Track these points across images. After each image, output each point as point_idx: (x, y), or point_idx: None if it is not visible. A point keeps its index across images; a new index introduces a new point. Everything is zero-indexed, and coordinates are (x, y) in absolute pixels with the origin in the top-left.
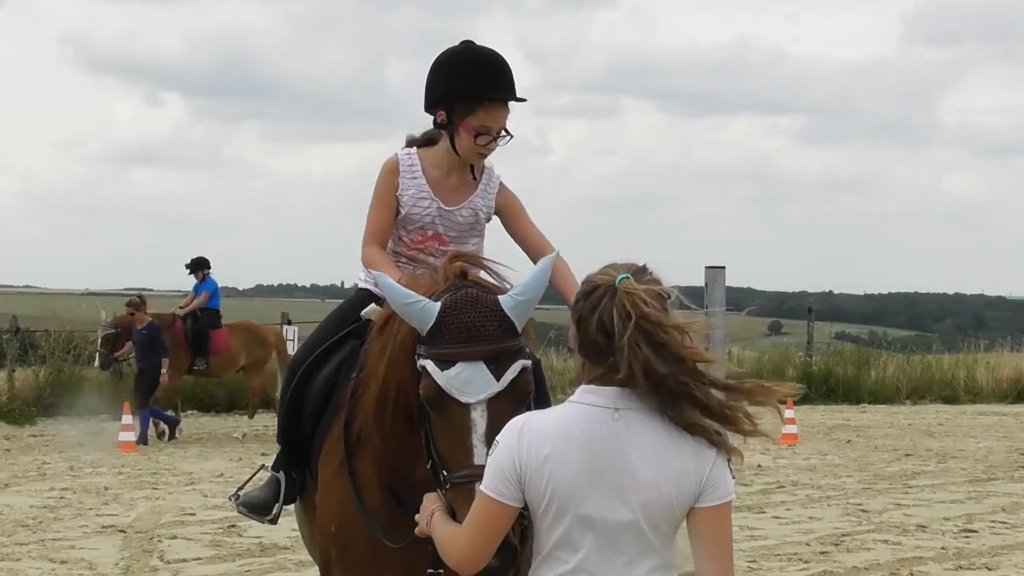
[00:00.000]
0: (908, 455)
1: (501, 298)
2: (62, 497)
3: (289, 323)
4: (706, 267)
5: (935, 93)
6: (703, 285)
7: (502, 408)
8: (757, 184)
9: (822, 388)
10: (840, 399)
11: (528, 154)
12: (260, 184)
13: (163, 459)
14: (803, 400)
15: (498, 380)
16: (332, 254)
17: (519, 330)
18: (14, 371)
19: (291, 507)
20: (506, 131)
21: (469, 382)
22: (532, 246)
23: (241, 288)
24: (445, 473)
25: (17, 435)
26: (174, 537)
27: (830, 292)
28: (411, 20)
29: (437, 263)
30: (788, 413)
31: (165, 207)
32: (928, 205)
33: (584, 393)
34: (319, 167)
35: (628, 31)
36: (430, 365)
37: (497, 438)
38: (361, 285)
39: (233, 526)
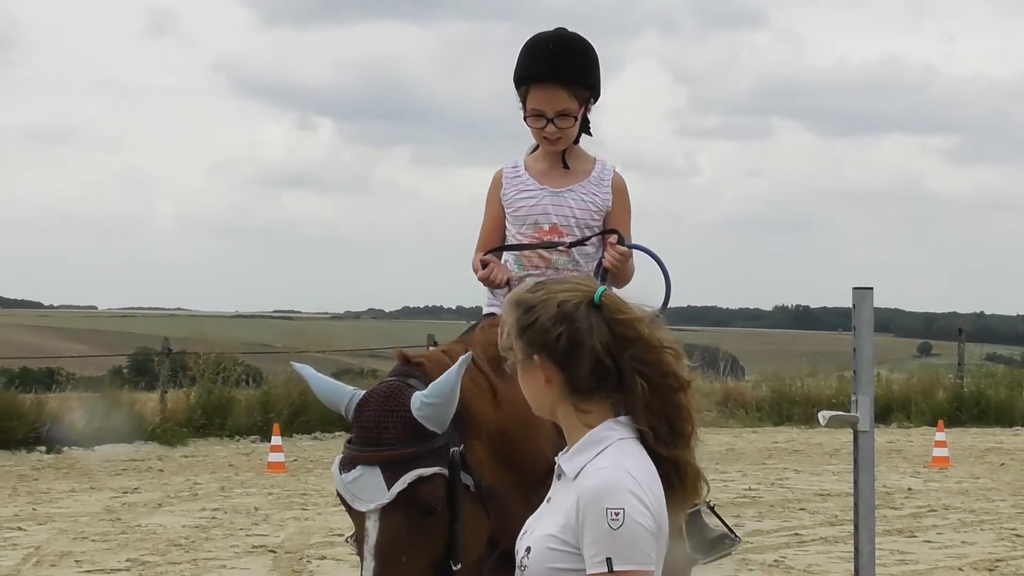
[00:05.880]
0: None
1: (414, 397)
2: (213, 517)
3: (435, 345)
4: (854, 288)
5: None
6: (851, 306)
7: (396, 521)
8: (907, 204)
9: (973, 410)
10: (992, 422)
11: (676, 175)
12: (409, 207)
13: (311, 480)
14: (954, 422)
15: (388, 489)
16: None
17: (432, 432)
18: (166, 392)
19: None
20: (572, 117)
21: (364, 488)
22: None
23: (388, 310)
24: None
25: (169, 455)
26: (323, 558)
27: (981, 313)
28: None
29: (562, 260)
30: (939, 436)
31: (315, 230)
32: None
33: (615, 425)
34: (467, 190)
35: (777, 51)
36: (334, 465)
37: (614, 505)
38: (486, 309)
39: None
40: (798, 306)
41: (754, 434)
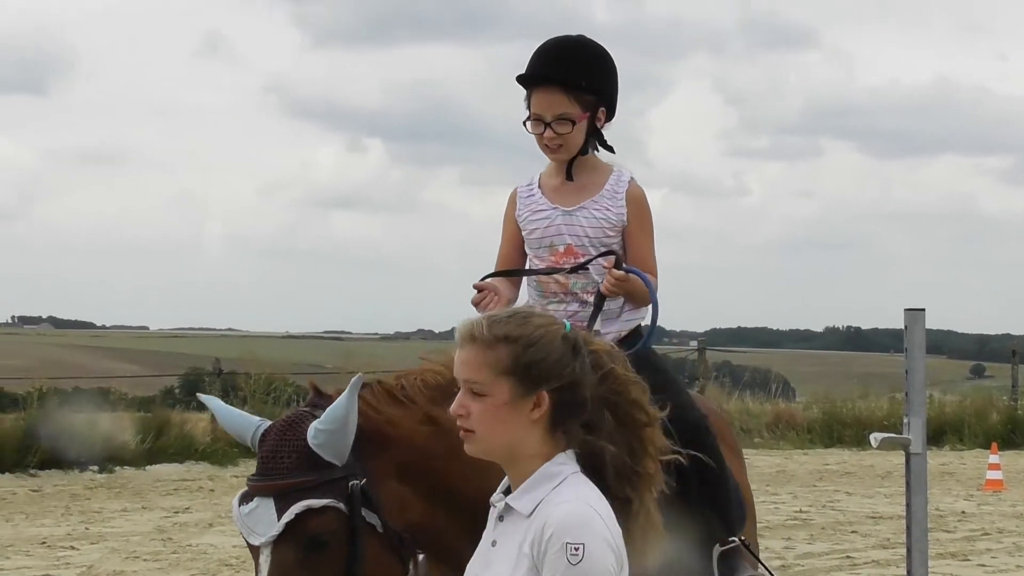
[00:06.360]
0: None
1: (310, 426)
2: None
3: None
4: (905, 309)
5: None
6: (903, 327)
7: (286, 556)
8: (959, 225)
9: None
10: None
11: (726, 196)
12: (457, 227)
13: None
14: (1008, 445)
15: (278, 520)
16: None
17: (328, 463)
18: None
19: None
20: (571, 121)
21: (258, 521)
22: (633, 261)
23: (437, 331)
24: None
25: (220, 475)
26: None
27: None
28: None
29: (580, 284)
30: (992, 458)
31: (364, 250)
32: None
33: (567, 459)
34: None
35: (827, 72)
36: (234, 499)
37: (575, 540)
38: None
39: None
40: (849, 327)
41: (805, 456)
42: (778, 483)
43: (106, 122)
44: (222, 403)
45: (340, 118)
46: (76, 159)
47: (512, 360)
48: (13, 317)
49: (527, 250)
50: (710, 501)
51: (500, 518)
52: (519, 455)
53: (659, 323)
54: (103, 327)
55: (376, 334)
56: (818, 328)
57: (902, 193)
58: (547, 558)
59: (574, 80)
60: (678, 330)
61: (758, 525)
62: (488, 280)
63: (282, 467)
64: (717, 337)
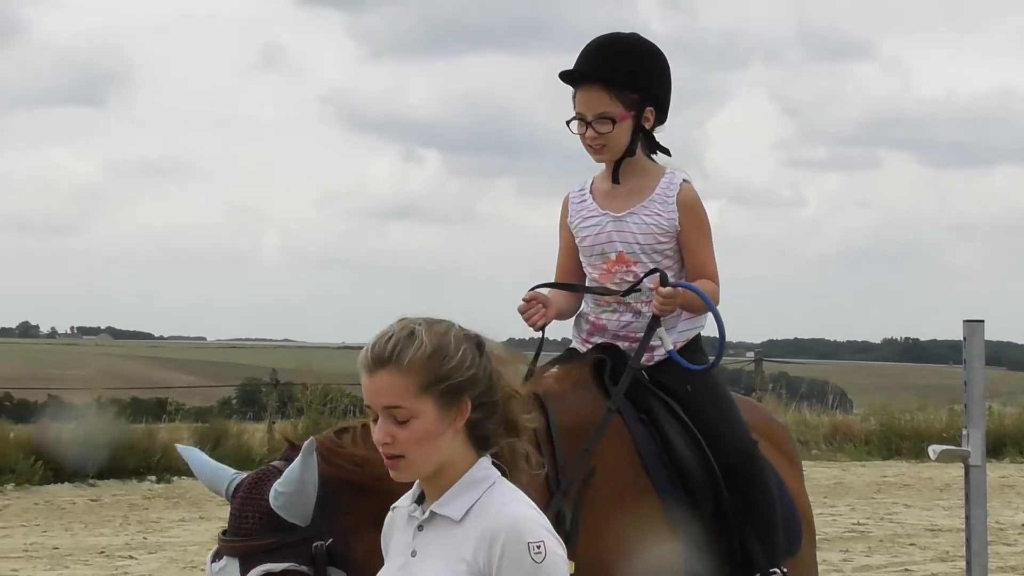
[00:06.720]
0: None
1: (272, 487)
2: None
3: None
4: (964, 320)
5: None
6: (961, 339)
7: None
8: (1018, 236)
9: None
10: None
11: (783, 207)
12: (513, 238)
13: None
14: None
15: None
16: None
17: (291, 525)
18: (273, 423)
19: None
20: (612, 120)
21: None
22: (692, 267)
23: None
24: None
25: None
26: None
27: None
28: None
29: (635, 293)
30: None
31: (420, 261)
32: None
33: (489, 464)
34: None
35: (885, 82)
36: (209, 555)
37: (535, 539)
38: (573, 343)
39: None
40: (907, 339)
41: (862, 468)
42: (836, 495)
43: (164, 134)
44: (199, 454)
45: (396, 129)
46: (135, 171)
47: (431, 376)
48: (73, 328)
49: (581, 258)
50: (753, 527)
51: (420, 527)
52: (445, 466)
53: (710, 334)
54: (161, 338)
55: None
56: (876, 340)
57: (960, 204)
58: (505, 562)
59: (616, 77)
60: (735, 341)
61: (816, 537)
62: (538, 290)
63: (246, 528)
64: (774, 348)
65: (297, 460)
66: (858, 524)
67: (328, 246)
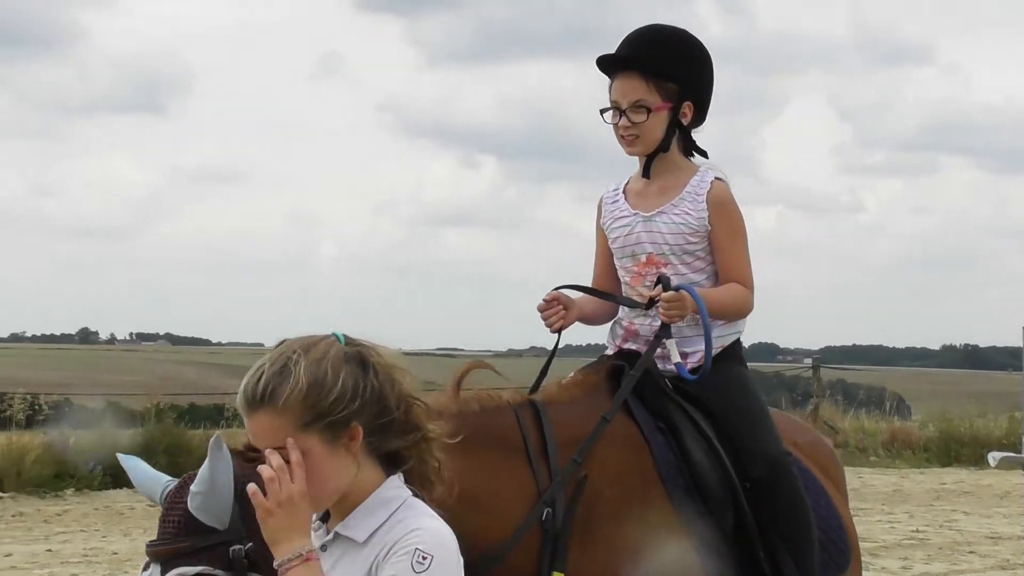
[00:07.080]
0: None
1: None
2: None
3: None
4: (1023, 327)
5: None
6: (1020, 345)
7: None
8: None
9: None
10: None
11: (841, 212)
12: (569, 244)
13: None
14: None
15: None
16: None
17: (209, 528)
18: None
19: None
20: (647, 109)
21: None
22: (723, 269)
23: (550, 348)
24: None
25: None
26: None
27: None
28: (727, 79)
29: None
30: None
31: (477, 267)
32: None
33: (399, 483)
34: None
35: (943, 87)
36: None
37: (426, 551)
38: (609, 350)
39: None
40: (966, 345)
41: (921, 475)
42: (894, 502)
43: (223, 141)
44: (138, 462)
45: (453, 135)
46: (193, 178)
47: (309, 414)
48: (131, 334)
49: (615, 260)
50: (783, 540)
51: (324, 547)
52: (347, 492)
53: (768, 341)
54: (219, 344)
55: (489, 351)
56: (934, 346)
57: (1020, 209)
58: (389, 562)
59: (653, 64)
60: (792, 347)
61: (874, 544)
62: (560, 291)
63: (168, 532)
64: (832, 355)
65: (207, 459)
66: (917, 531)
67: (385, 252)
